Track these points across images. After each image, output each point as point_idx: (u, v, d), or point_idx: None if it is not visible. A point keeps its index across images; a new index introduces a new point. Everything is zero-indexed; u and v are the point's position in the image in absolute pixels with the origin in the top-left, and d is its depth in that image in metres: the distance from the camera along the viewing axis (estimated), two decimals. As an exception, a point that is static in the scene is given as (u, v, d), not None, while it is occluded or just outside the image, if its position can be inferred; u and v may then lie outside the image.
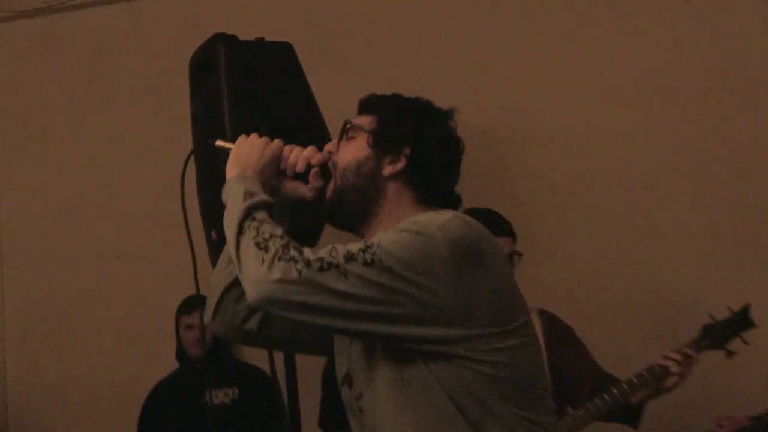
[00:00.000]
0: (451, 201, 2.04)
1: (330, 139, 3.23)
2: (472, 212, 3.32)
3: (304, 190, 2.03)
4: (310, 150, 2.04)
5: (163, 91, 4.64)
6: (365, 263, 1.73)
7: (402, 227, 1.80)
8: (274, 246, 1.76)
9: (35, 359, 4.86)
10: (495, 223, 3.32)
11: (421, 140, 2.00)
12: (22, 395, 4.87)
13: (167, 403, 4.27)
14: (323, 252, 1.75)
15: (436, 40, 4.40)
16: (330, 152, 2.04)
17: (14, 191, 4.99)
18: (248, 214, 1.86)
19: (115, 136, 4.82)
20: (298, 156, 2.02)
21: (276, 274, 1.72)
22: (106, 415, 4.69)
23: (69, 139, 4.93)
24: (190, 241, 2.25)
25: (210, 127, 3.22)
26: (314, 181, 2.01)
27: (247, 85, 3.19)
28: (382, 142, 1.99)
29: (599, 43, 4.17)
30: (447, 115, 2.06)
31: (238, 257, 1.82)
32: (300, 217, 3.18)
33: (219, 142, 2.14)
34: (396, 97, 2.09)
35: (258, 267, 1.74)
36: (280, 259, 1.73)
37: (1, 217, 5.00)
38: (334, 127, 3.30)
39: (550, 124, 4.20)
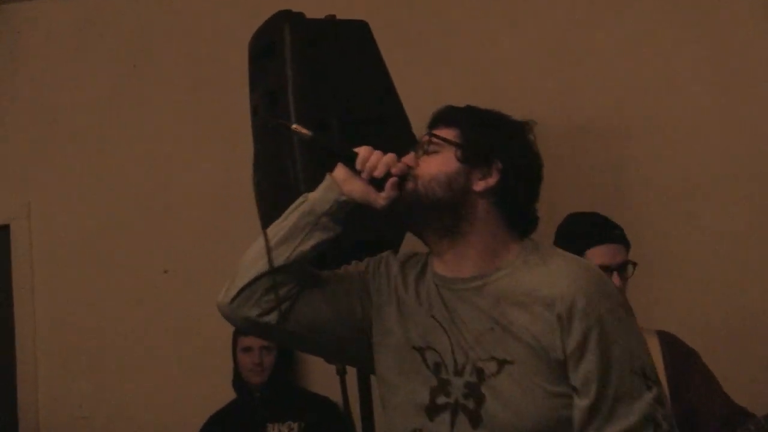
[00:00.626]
0: (535, 221, 2.21)
1: (412, 134, 3.30)
2: (578, 217, 3.33)
3: (375, 197, 2.14)
4: (391, 157, 2.14)
5: (215, 81, 4.66)
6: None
7: (617, 314, 2.04)
8: None
9: (69, 388, 4.88)
10: (603, 227, 3.33)
11: (511, 154, 2.14)
12: (55, 429, 4.88)
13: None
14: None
15: (528, 25, 4.38)
16: (409, 166, 2.15)
17: (46, 198, 5.02)
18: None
19: (161, 133, 4.86)
20: (379, 160, 2.13)
21: None
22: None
23: (107, 137, 4.96)
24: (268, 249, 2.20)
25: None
26: (390, 191, 2.12)
27: (316, 70, 3.19)
28: (472, 156, 2.12)
29: (712, 31, 4.17)
30: (527, 128, 2.21)
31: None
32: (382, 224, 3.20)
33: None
34: (476, 110, 2.23)
35: None
36: None
37: (31, 228, 5.02)
38: (416, 119, 3.34)
39: (656, 117, 4.20)
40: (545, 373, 2.01)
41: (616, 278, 3.22)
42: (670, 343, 3.35)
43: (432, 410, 2.09)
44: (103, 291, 4.87)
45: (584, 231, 3.32)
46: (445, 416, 2.07)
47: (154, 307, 4.74)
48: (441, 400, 2.08)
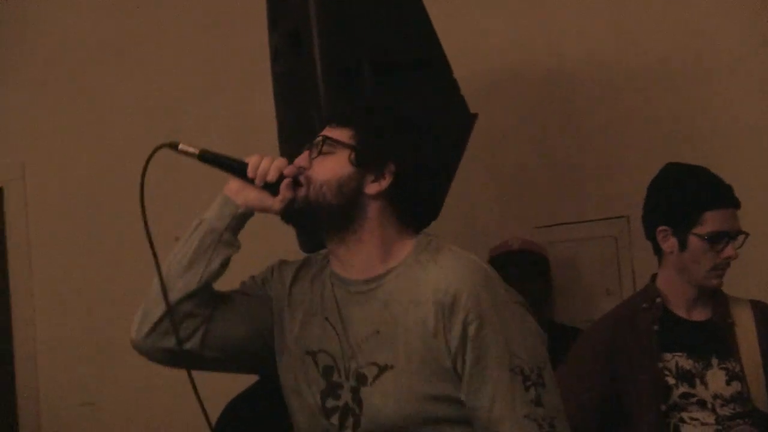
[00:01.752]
0: (431, 216, 2.40)
1: (453, 79, 3.23)
2: (684, 172, 3.27)
3: (271, 202, 2.27)
4: (282, 161, 2.28)
5: (228, 21, 4.66)
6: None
7: (505, 306, 2.21)
8: None
9: (71, 371, 4.93)
10: (721, 188, 3.26)
11: (405, 156, 2.28)
12: (57, 416, 4.96)
13: (245, 423, 4.18)
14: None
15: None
16: (302, 167, 2.30)
17: (41, 159, 5.12)
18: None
19: (166, 84, 4.93)
20: (270, 165, 2.26)
21: None
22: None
23: (105, 93, 5.00)
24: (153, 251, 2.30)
25: (295, 63, 3.17)
26: (286, 192, 2.26)
27: (345, 7, 3.15)
28: (366, 159, 2.26)
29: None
30: (432, 122, 2.40)
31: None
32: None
33: (183, 146, 2.34)
34: (375, 108, 2.42)
35: None
36: None
37: (26, 190, 5.12)
38: (457, 65, 3.27)
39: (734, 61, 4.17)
40: (427, 375, 2.16)
41: (730, 249, 3.19)
42: (764, 312, 3.31)
43: (325, 413, 2.26)
44: (104, 259, 4.93)
45: (701, 190, 3.24)
46: (335, 419, 2.24)
47: None
48: (330, 403, 2.25)
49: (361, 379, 2.21)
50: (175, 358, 2.29)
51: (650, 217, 3.32)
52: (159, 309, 2.26)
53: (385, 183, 2.25)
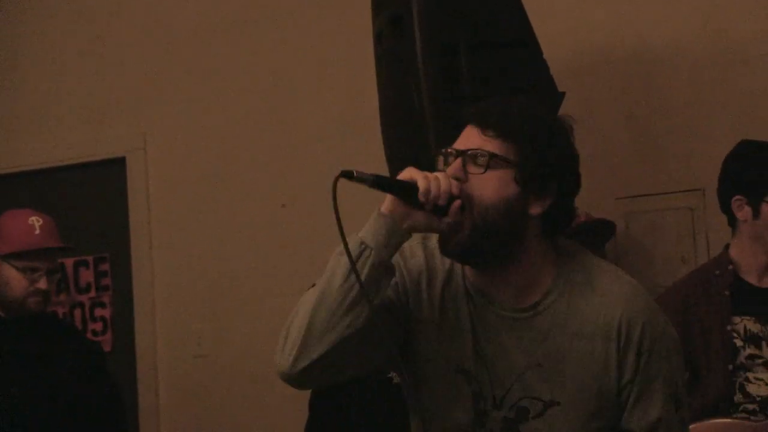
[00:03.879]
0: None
1: (543, 60, 3.26)
2: (756, 147, 3.37)
3: (438, 224, 2.00)
4: (449, 182, 1.99)
5: (339, 5, 4.61)
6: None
7: (667, 334, 2.09)
8: None
9: (187, 326, 5.00)
10: None
11: (566, 173, 2.06)
12: (173, 368, 5.05)
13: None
14: None
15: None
16: (459, 179, 2.02)
17: (162, 130, 5.14)
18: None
19: (280, 63, 4.87)
20: (439, 188, 1.96)
21: None
22: (272, 391, 4.71)
23: (225, 67, 5.01)
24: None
25: (397, 45, 3.21)
26: (455, 215, 1.98)
27: None
28: (532, 180, 2.01)
29: None
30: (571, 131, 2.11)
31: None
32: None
33: (358, 172, 1.95)
34: (535, 120, 2.06)
35: None
36: None
37: (147, 161, 5.17)
38: (547, 46, 3.31)
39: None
40: (595, 409, 2.04)
41: None
42: None
43: None
44: (219, 225, 4.96)
45: None
46: None
47: (271, 241, 4.79)
48: (478, 430, 2.07)
49: (522, 413, 2.04)
50: (324, 382, 2.10)
51: (725, 189, 3.35)
52: (321, 347, 1.94)
53: (547, 202, 2.02)
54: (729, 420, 3.19)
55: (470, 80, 3.13)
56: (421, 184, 1.94)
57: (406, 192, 1.97)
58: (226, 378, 4.91)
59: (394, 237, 1.96)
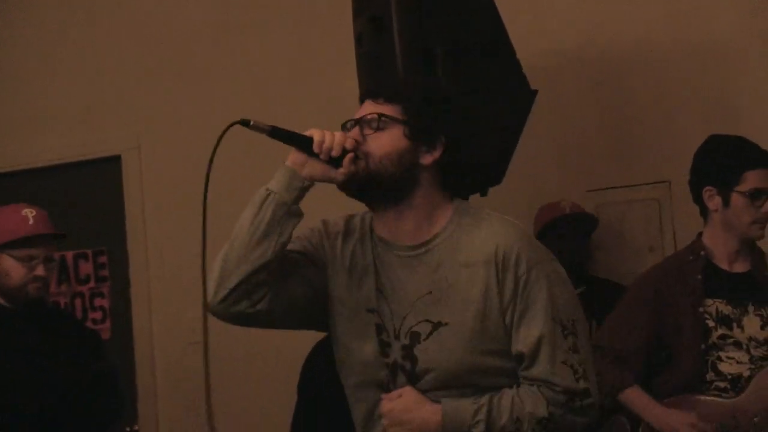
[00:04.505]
0: (484, 185, 2.51)
1: (517, 62, 3.30)
2: (725, 140, 3.40)
3: (334, 174, 2.23)
4: (343, 135, 2.26)
5: (325, 8, 4.69)
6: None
7: (548, 263, 2.26)
8: None
9: (181, 315, 5.02)
10: (759, 151, 3.33)
11: (454, 129, 2.31)
12: (168, 353, 5.09)
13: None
14: None
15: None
16: (358, 141, 2.27)
17: (155, 130, 5.16)
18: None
19: (269, 63, 4.89)
20: (332, 140, 2.22)
21: None
22: (262, 374, 4.88)
23: (216, 67, 5.05)
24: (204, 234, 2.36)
25: (376, 46, 3.22)
26: (349, 166, 2.22)
27: None
28: (419, 133, 2.26)
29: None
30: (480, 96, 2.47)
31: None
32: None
33: (255, 122, 2.28)
34: (418, 83, 2.46)
35: None
36: None
37: (141, 159, 5.20)
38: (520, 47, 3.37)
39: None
40: (480, 331, 2.20)
41: None
42: None
43: (377, 368, 2.27)
44: (214, 221, 4.93)
45: (743, 152, 3.33)
46: (386, 375, 2.26)
47: None
48: (382, 360, 2.26)
49: (414, 337, 2.23)
50: (246, 319, 2.26)
51: (696, 180, 3.40)
52: (235, 277, 2.21)
53: (437, 153, 2.26)
54: (701, 396, 3.26)
55: (447, 79, 3.13)
56: (316, 136, 2.23)
57: (303, 143, 2.24)
58: (218, 362, 4.88)
59: (295, 181, 2.22)
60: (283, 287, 2.27)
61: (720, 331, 3.26)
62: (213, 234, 2.37)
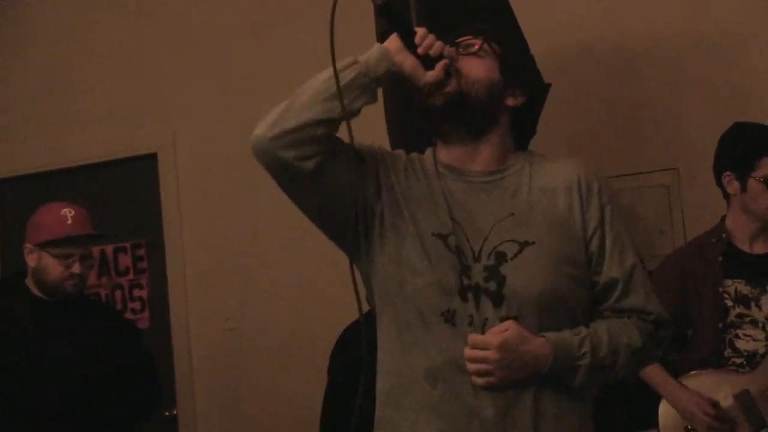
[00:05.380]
0: (528, 142, 2.38)
1: (531, 56, 3.31)
2: (747, 127, 3.43)
3: (422, 73, 2.13)
4: (443, 45, 2.15)
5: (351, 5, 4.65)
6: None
7: (617, 200, 2.20)
8: None
9: (216, 303, 5.07)
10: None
11: (535, 88, 2.32)
12: (204, 341, 5.11)
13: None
14: None
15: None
16: (452, 57, 2.18)
17: (191, 127, 5.18)
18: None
19: (298, 61, 4.85)
20: (435, 41, 2.13)
21: None
22: (294, 359, 4.87)
23: (251, 63, 5.05)
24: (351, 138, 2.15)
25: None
26: (439, 71, 2.13)
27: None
28: (511, 74, 2.21)
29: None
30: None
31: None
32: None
33: None
34: (515, 38, 2.41)
35: None
36: None
37: (177, 156, 5.22)
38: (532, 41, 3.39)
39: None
40: (566, 250, 2.11)
41: None
42: None
43: (463, 292, 2.08)
44: (243, 212, 5.00)
45: (759, 139, 3.36)
46: (470, 297, 2.07)
47: (297, 224, 4.79)
48: (465, 282, 2.08)
49: (500, 257, 2.08)
50: (284, 170, 2.09)
51: (717, 166, 3.43)
52: (294, 120, 2.06)
53: (519, 101, 2.22)
54: (719, 371, 3.31)
55: None
56: (420, 30, 2.13)
57: (406, 30, 2.13)
58: (252, 349, 4.97)
59: (383, 61, 2.11)
60: (335, 166, 2.11)
61: (738, 310, 3.29)
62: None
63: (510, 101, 2.21)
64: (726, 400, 3.27)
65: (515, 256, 2.09)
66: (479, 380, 2.03)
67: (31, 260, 3.64)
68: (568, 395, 2.10)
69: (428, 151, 2.29)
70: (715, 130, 3.55)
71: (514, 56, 2.25)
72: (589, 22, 4.40)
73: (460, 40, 2.23)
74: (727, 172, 3.38)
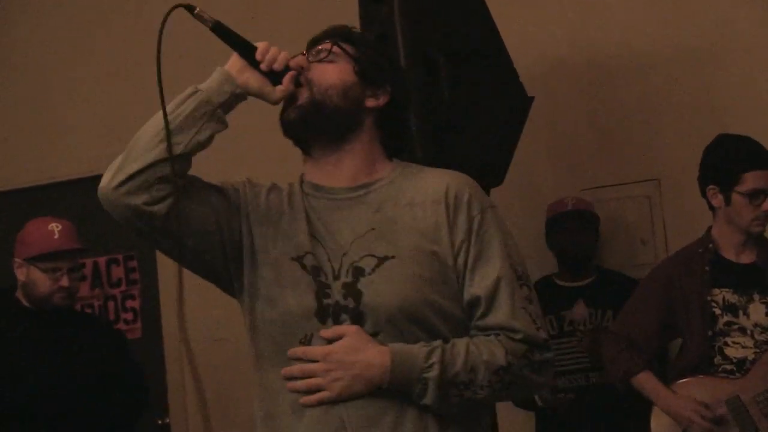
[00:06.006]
0: (403, 147, 2.19)
1: (513, 68, 3.28)
2: (732, 140, 3.40)
3: (270, 90, 2.02)
4: (288, 55, 2.04)
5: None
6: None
7: (495, 213, 2.03)
8: None
9: (207, 314, 5.01)
10: (761, 152, 3.34)
11: (398, 85, 2.11)
12: (196, 350, 5.09)
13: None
14: None
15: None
16: (304, 66, 2.06)
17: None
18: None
19: None
20: (278, 54, 2.01)
21: None
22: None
23: None
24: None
25: None
26: (288, 84, 2.01)
27: (423, 13, 3.16)
28: (367, 74, 2.06)
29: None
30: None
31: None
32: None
33: (199, 11, 2.00)
34: (370, 36, 2.25)
35: None
36: None
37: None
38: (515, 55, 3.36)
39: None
40: (429, 265, 1.95)
41: (767, 204, 3.29)
42: None
43: (321, 313, 1.94)
44: None
45: (743, 154, 3.33)
46: (330, 317, 1.94)
47: None
48: (324, 302, 1.94)
49: (358, 272, 1.94)
50: (137, 218, 1.94)
51: (702, 179, 3.42)
52: (137, 164, 1.91)
53: (381, 101, 2.06)
54: (710, 378, 3.30)
55: (449, 88, 3.15)
56: (261, 45, 2.00)
57: (245, 48, 2.01)
58: (242, 359, 4.90)
59: (226, 84, 1.98)
60: (189, 205, 1.97)
61: (726, 318, 3.29)
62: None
63: (371, 102, 2.06)
64: (718, 407, 3.26)
65: (373, 270, 1.94)
66: (310, 398, 1.90)
67: (20, 274, 3.67)
68: (439, 423, 1.92)
69: (295, 182, 2.14)
70: (695, 141, 3.55)
71: (371, 55, 2.09)
72: (570, 35, 4.40)
73: (311, 48, 2.10)
74: (711, 186, 3.36)
